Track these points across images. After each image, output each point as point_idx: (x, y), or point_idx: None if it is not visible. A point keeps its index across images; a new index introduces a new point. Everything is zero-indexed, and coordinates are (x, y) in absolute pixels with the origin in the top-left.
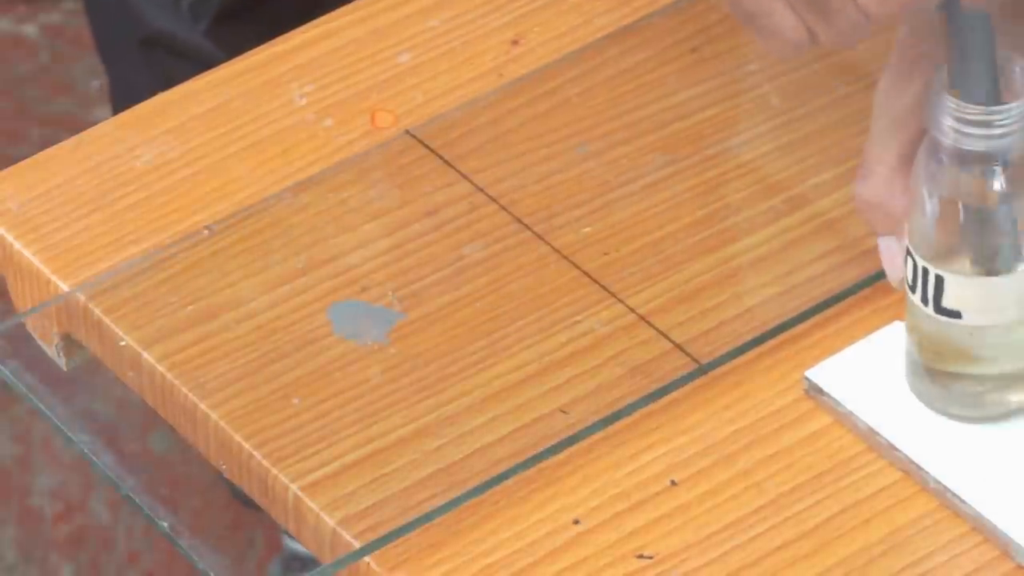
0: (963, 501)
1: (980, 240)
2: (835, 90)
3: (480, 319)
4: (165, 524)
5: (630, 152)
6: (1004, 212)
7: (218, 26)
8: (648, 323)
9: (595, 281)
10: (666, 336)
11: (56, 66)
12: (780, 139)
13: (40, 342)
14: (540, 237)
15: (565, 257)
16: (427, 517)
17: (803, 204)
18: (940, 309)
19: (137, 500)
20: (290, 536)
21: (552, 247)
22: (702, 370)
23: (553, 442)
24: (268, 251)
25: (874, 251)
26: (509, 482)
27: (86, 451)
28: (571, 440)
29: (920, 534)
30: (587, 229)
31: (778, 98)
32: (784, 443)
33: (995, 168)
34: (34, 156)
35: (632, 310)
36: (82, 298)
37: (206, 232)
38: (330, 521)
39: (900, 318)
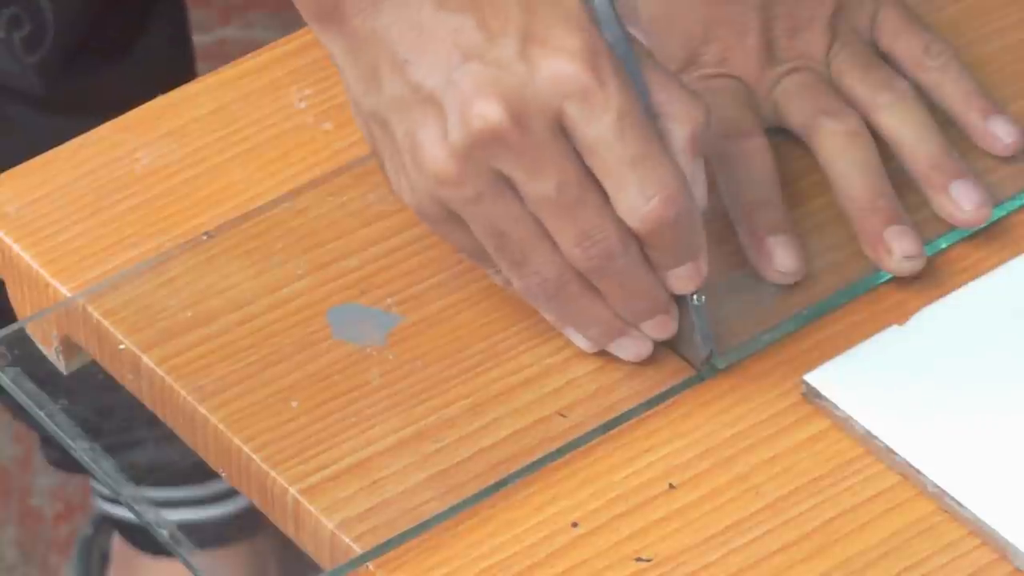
0: (961, 505)
1: None
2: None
3: (479, 322)
4: (164, 532)
5: None
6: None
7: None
8: None
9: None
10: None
11: None
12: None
13: (40, 345)
14: None
15: None
16: (426, 522)
17: (798, 204)
18: None
19: (137, 506)
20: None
21: None
22: (700, 375)
23: (553, 446)
24: (267, 254)
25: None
26: (508, 485)
27: (85, 456)
28: (570, 444)
29: (918, 538)
30: None
31: None
32: (782, 447)
33: None
34: (33, 159)
35: None
36: (81, 301)
37: (205, 238)
38: (329, 524)
39: (898, 322)
